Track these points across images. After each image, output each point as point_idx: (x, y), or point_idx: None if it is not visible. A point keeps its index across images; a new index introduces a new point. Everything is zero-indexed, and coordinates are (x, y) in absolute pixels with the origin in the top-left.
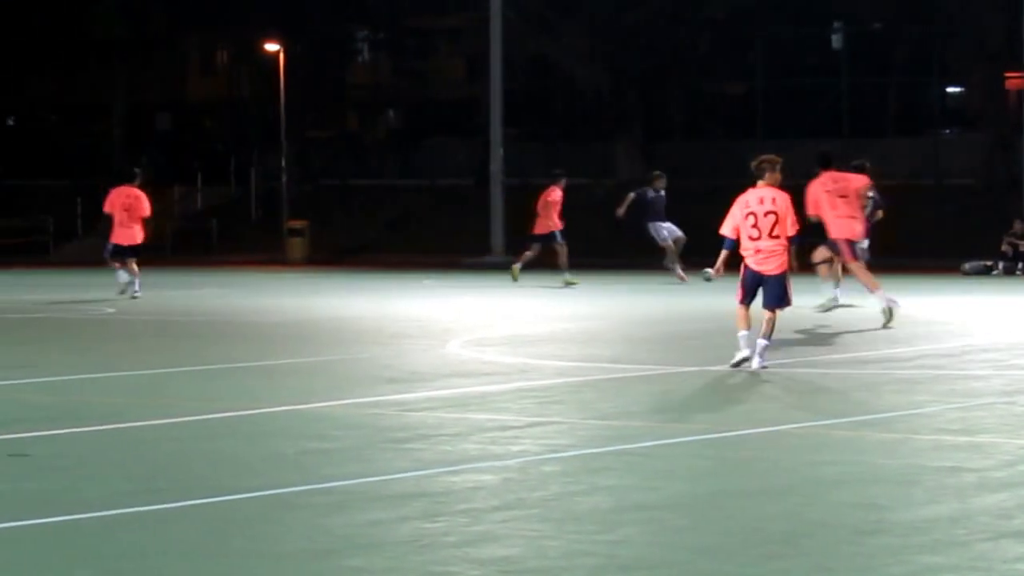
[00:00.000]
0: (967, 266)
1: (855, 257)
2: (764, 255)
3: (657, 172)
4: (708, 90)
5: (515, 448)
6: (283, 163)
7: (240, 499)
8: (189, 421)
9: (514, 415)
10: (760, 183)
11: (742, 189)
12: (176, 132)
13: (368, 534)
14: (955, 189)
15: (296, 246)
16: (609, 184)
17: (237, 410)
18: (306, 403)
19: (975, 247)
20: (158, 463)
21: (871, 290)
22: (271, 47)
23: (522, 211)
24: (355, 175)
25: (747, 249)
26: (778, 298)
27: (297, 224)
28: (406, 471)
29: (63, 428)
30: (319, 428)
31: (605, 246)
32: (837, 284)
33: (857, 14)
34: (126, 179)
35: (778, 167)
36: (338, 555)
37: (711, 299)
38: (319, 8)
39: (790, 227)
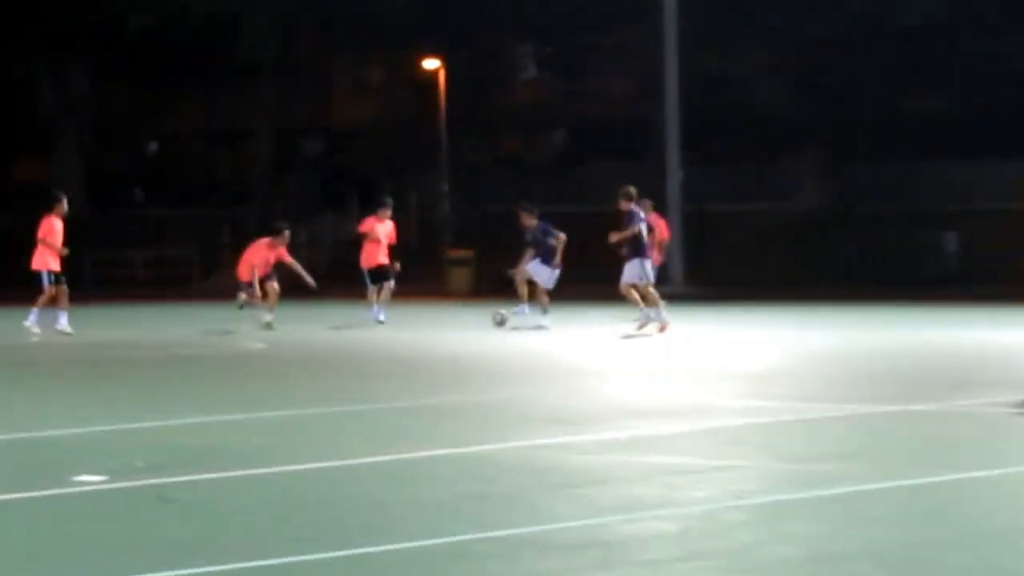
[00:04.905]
0: None
1: None
2: None
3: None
4: (902, 107)
5: (697, 494)
6: (444, 188)
7: (397, 549)
8: (340, 465)
9: (694, 458)
10: None
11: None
12: (326, 157)
13: None
14: None
15: (458, 277)
16: (790, 211)
17: (390, 453)
18: (465, 446)
19: None
20: (308, 510)
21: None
22: (429, 64)
23: (700, 239)
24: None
25: None
26: None
27: (460, 254)
28: (577, 518)
29: (210, 472)
30: (480, 472)
31: (781, 275)
32: None
33: None
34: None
35: None
36: None
37: (904, 334)
38: (479, 23)
39: None
